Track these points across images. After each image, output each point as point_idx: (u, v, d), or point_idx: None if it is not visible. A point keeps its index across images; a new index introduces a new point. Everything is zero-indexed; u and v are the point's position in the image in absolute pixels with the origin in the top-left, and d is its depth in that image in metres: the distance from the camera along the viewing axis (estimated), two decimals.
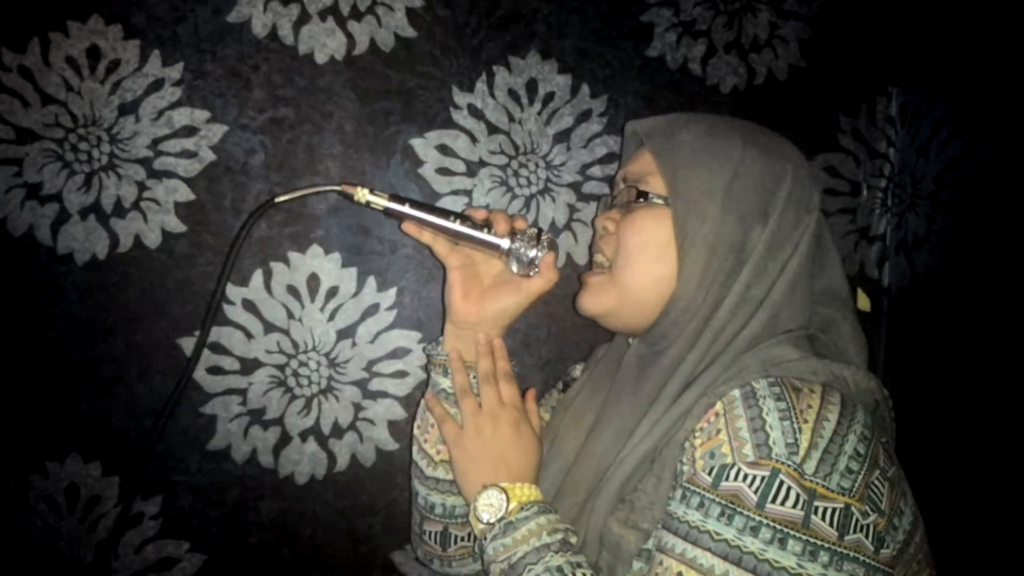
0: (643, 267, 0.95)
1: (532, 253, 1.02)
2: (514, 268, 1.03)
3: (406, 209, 1.03)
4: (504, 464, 0.97)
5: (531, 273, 1.03)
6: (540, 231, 1.03)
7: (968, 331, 1.27)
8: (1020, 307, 1.16)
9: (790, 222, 0.92)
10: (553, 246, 1.03)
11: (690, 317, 0.92)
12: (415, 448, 1.10)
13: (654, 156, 0.96)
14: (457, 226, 1.03)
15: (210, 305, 1.05)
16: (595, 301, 1.00)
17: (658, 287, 0.94)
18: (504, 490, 0.93)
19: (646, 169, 0.97)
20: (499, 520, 0.91)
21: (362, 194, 1.01)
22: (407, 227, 1.05)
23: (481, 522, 0.93)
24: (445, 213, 1.04)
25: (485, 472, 0.96)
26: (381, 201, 1.02)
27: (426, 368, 1.13)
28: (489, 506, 0.93)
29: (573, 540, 0.89)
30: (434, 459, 1.07)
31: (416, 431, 1.11)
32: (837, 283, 0.99)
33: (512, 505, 0.92)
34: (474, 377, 1.04)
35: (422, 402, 1.10)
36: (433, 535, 1.09)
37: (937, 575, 0.87)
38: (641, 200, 0.95)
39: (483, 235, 1.03)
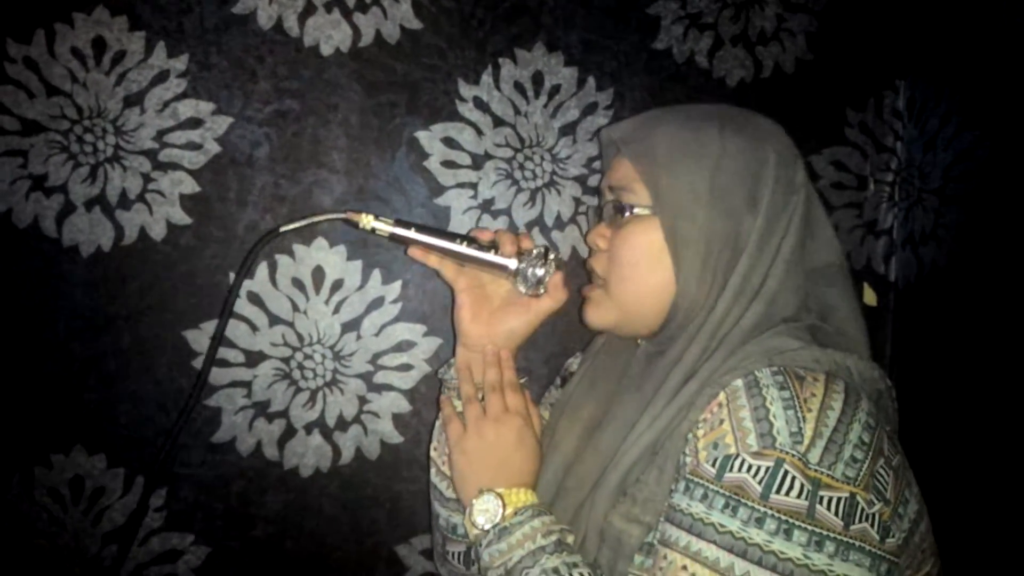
0: (639, 280, 0.94)
1: (540, 272, 1.01)
2: (522, 289, 1.02)
3: (411, 234, 1.02)
4: (504, 470, 0.96)
5: (539, 293, 1.02)
6: (547, 249, 1.02)
7: (975, 325, 1.26)
8: None
9: (779, 205, 0.91)
10: (561, 265, 1.03)
11: (694, 315, 0.91)
12: (433, 470, 1.09)
13: (632, 163, 0.94)
14: (463, 248, 1.02)
15: (220, 325, 1.04)
16: (597, 316, 0.99)
17: (657, 295, 0.93)
18: (500, 495, 0.93)
19: (628, 177, 0.95)
20: (494, 526, 0.91)
21: (367, 220, 1.01)
22: (413, 252, 1.04)
23: (476, 527, 0.92)
24: (451, 236, 1.03)
25: (484, 476, 0.96)
26: (386, 227, 1.01)
27: (438, 393, 1.12)
28: (485, 511, 0.92)
29: (570, 540, 0.88)
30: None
31: (433, 453, 1.10)
32: (832, 254, 0.97)
33: (508, 510, 0.91)
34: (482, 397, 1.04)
35: (437, 424, 1.10)
36: (457, 555, 1.08)
37: (942, 565, 0.86)
38: (628, 214, 0.94)
39: (490, 256, 1.02)
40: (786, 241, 0.91)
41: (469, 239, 1.03)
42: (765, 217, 0.89)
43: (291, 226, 1.04)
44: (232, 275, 1.29)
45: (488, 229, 1.07)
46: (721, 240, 0.89)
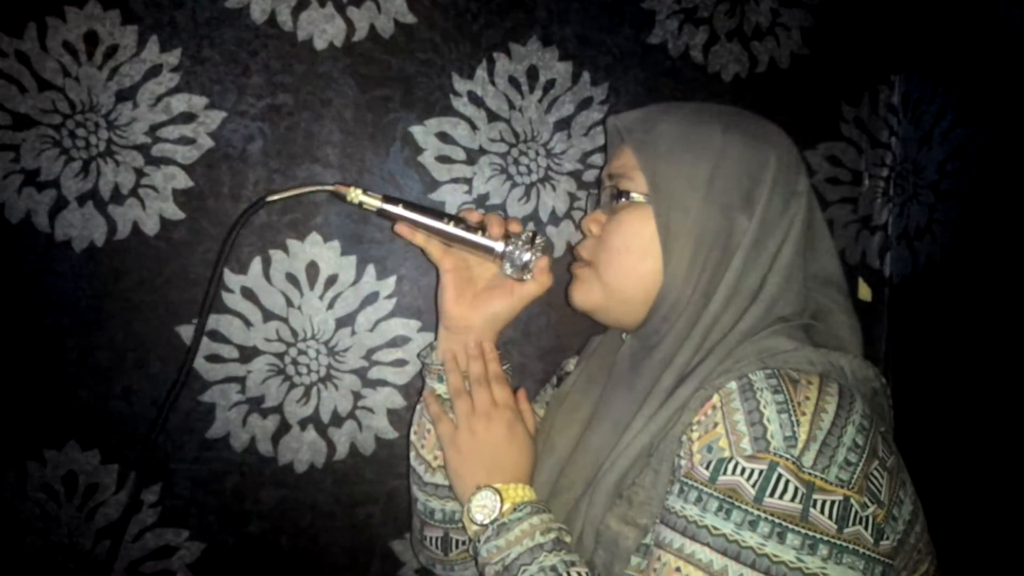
0: (627, 266, 0.94)
1: (526, 256, 1.01)
2: (508, 271, 1.03)
3: (399, 210, 1.02)
4: (498, 465, 0.96)
5: (525, 277, 1.02)
6: (535, 234, 1.02)
7: (970, 321, 1.26)
8: (1022, 297, 1.15)
9: (777, 209, 0.90)
10: (547, 250, 1.03)
11: (680, 312, 0.90)
12: (412, 454, 1.10)
13: (633, 151, 0.95)
14: (451, 228, 1.02)
15: (206, 295, 1.05)
16: (582, 296, 0.99)
17: (644, 284, 0.93)
18: (498, 491, 0.93)
19: (628, 165, 0.95)
20: (492, 521, 0.91)
21: (355, 194, 1.01)
22: (400, 228, 1.04)
23: (475, 523, 0.92)
24: (439, 215, 1.03)
25: (479, 473, 0.96)
26: (374, 202, 1.01)
27: (421, 373, 1.13)
28: (483, 507, 0.92)
29: (567, 539, 0.88)
30: (431, 464, 1.07)
31: (413, 437, 1.10)
32: (830, 266, 0.97)
33: (506, 506, 0.91)
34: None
35: (418, 408, 1.10)
36: (434, 540, 1.09)
37: (938, 564, 0.87)
38: (623, 200, 0.94)
39: (477, 237, 1.02)
40: (785, 246, 0.91)
41: (457, 219, 1.03)
42: (760, 219, 0.89)
43: (278, 196, 1.04)
44: (226, 270, 1.29)
45: (478, 211, 1.06)
46: (712, 236, 0.89)
